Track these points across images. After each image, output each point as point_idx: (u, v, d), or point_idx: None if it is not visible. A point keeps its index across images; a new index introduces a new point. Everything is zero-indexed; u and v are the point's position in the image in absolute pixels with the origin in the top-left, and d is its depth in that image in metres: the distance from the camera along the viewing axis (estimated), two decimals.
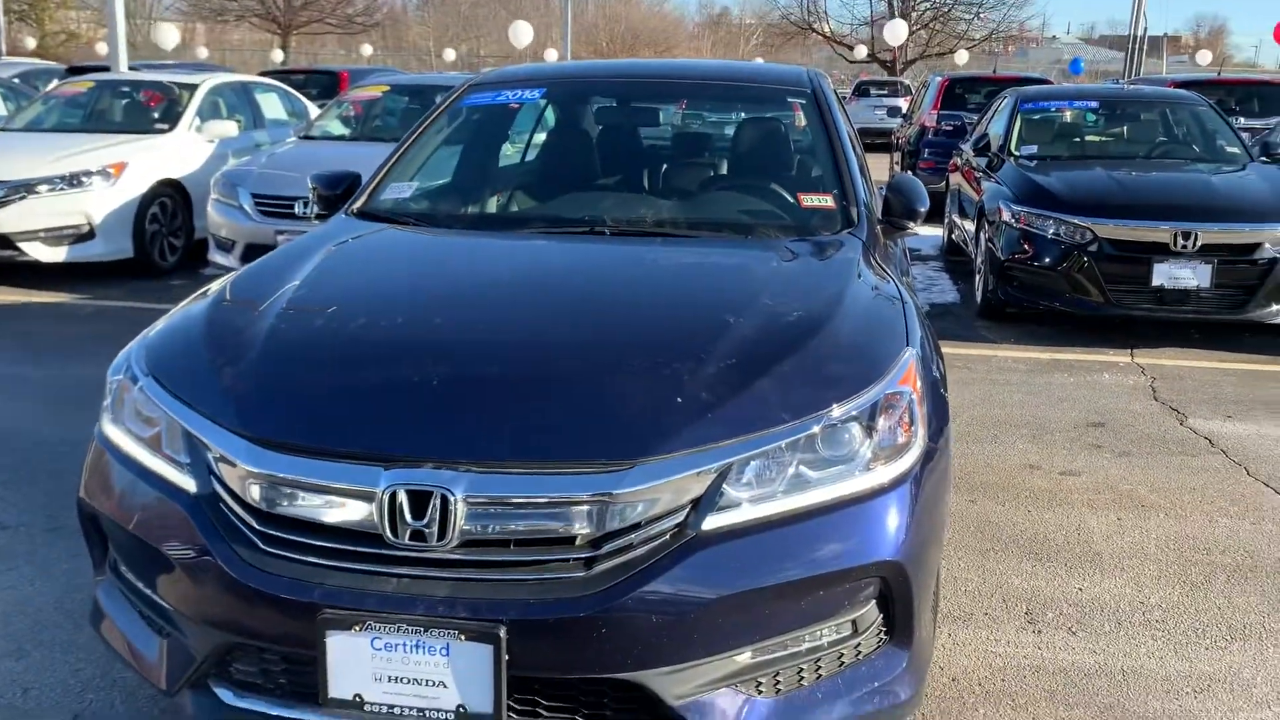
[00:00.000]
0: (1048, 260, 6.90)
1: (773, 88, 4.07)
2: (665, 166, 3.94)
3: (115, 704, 2.77)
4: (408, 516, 2.08)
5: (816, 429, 2.22)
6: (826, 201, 3.44)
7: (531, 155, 4.19)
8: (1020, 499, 4.26)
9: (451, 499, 2.07)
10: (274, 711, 2.22)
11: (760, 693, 2.18)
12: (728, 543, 2.10)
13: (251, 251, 7.60)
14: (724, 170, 3.93)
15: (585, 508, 2.08)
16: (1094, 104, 8.55)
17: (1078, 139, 8.60)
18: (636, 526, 2.09)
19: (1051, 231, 6.91)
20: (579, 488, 2.08)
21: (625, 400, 2.25)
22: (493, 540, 2.10)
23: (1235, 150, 8.01)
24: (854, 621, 2.25)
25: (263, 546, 2.16)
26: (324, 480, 2.14)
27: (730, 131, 4.02)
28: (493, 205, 3.76)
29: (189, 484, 2.27)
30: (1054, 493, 4.33)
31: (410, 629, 2.04)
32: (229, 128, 9.42)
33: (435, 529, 2.07)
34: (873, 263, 3.06)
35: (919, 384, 2.44)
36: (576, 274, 2.98)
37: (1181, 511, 4.17)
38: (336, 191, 3.79)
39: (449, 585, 2.07)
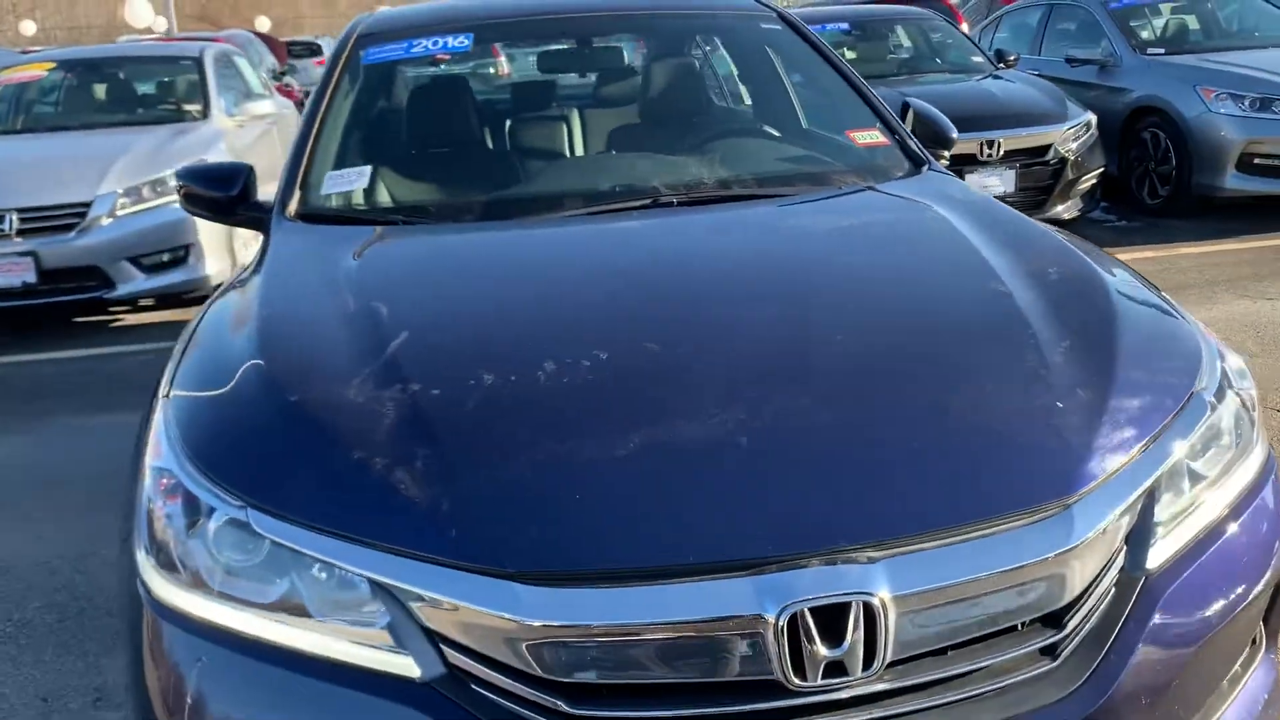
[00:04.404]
0: None
1: (742, 14, 3.46)
2: (668, 114, 3.23)
3: None
4: (818, 644, 1.42)
5: (1209, 414, 1.78)
6: (878, 137, 2.96)
7: (493, 118, 3.30)
8: None
9: (875, 605, 1.43)
10: None
11: None
12: (1178, 579, 1.62)
13: None
14: (735, 111, 3.28)
15: (1038, 575, 1.51)
16: (845, 25, 8.61)
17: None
18: (1088, 588, 1.56)
19: None
20: (1027, 550, 1.50)
21: (1011, 416, 1.68)
22: (926, 652, 1.48)
23: (980, 59, 8.35)
24: (1255, 636, 1.86)
25: None
26: (673, 618, 1.41)
27: (711, 67, 3.39)
28: (486, 187, 2.87)
29: (404, 665, 1.45)
30: None
31: None
32: None
33: (860, 653, 1.43)
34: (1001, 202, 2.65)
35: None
36: (732, 261, 2.26)
37: None
38: (231, 192, 2.80)
39: None
